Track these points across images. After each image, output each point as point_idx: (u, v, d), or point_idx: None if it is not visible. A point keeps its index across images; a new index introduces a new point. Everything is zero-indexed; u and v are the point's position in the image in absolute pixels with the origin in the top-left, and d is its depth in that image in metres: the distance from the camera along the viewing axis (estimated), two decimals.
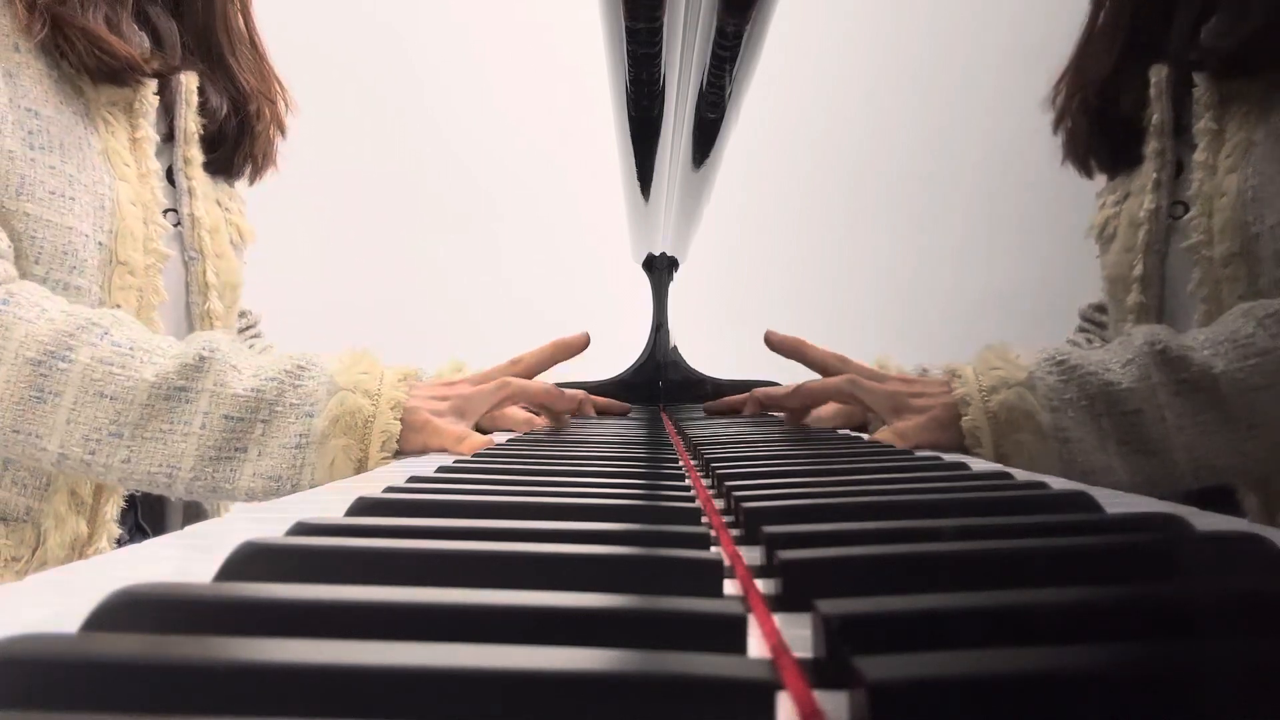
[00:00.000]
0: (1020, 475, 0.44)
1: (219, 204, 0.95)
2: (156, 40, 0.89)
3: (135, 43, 0.85)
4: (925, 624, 0.19)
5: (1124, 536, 0.29)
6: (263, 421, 0.70)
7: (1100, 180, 1.01)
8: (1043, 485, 0.40)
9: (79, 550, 0.80)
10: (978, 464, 0.52)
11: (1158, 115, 0.88)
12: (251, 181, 1.02)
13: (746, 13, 0.56)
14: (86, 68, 0.80)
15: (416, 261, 2.03)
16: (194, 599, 0.21)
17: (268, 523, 0.35)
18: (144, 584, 0.21)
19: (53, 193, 0.77)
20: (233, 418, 0.70)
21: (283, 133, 1.03)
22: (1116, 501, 0.37)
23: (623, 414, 1.04)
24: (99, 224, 0.80)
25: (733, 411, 1.05)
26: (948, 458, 0.54)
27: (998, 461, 0.69)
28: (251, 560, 0.25)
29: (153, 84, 0.86)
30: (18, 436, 0.69)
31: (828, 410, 0.90)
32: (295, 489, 0.69)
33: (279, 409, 0.70)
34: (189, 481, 0.70)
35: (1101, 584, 0.23)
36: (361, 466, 0.70)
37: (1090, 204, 1.02)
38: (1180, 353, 0.70)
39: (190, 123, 0.90)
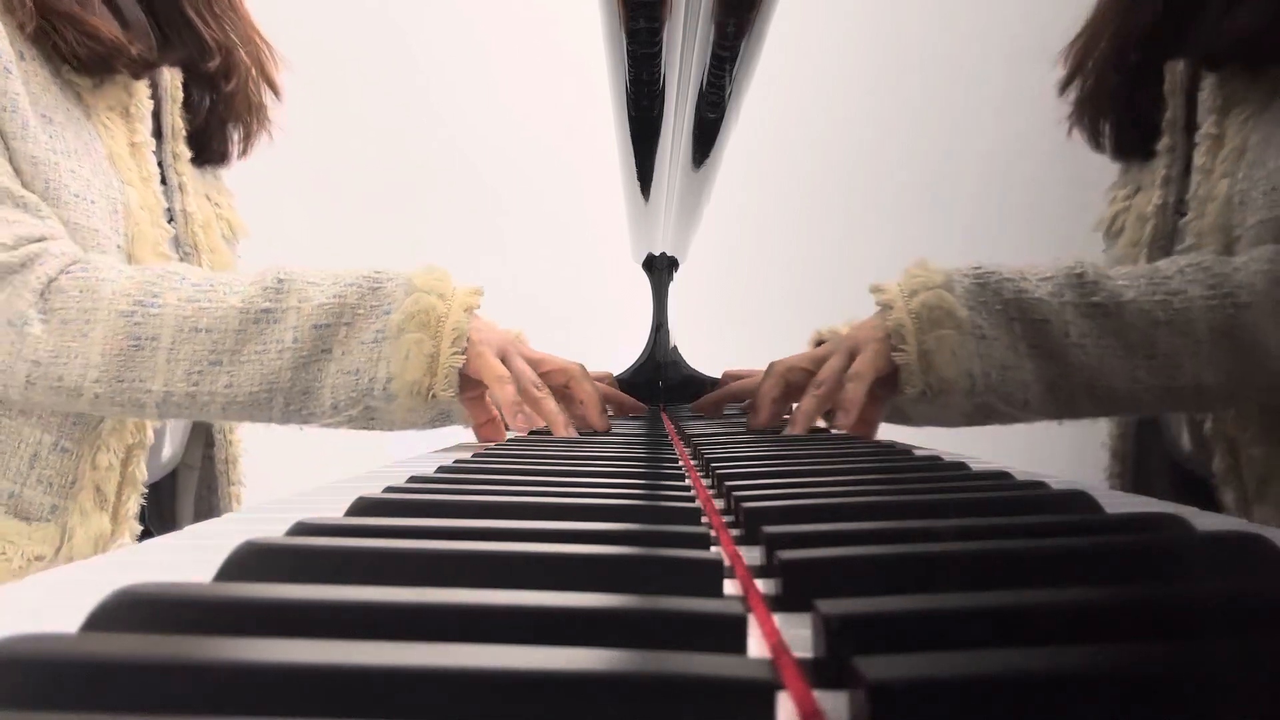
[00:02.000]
0: (1020, 475, 0.44)
1: (208, 199, 0.95)
2: (126, 28, 0.87)
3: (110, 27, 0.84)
4: (925, 624, 0.20)
5: (1124, 536, 0.29)
6: (345, 325, 0.74)
7: (1111, 169, 0.99)
8: (1042, 485, 0.40)
9: (102, 547, 0.81)
10: (978, 464, 0.52)
11: (1171, 111, 0.87)
12: (245, 151, 1.00)
13: (746, 13, 0.56)
14: (80, 59, 0.80)
15: (421, 256, 2.03)
16: (194, 599, 0.21)
17: (268, 523, 0.35)
18: (144, 584, 0.21)
19: (77, 195, 0.78)
20: (321, 325, 0.74)
21: (274, 91, 1.01)
22: (1116, 501, 0.37)
23: (637, 413, 1.03)
24: (115, 228, 0.80)
25: (715, 407, 1.04)
26: (948, 457, 0.54)
27: (920, 361, 0.72)
28: (251, 560, 0.25)
29: (146, 87, 0.86)
30: (122, 385, 0.72)
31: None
32: (373, 383, 0.73)
33: (360, 311, 0.74)
34: (287, 392, 0.73)
35: (1101, 584, 0.23)
36: (434, 362, 0.73)
37: (1091, 202, 1.01)
38: (1096, 278, 0.73)
39: (177, 118, 0.90)
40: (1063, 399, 0.73)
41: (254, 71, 0.98)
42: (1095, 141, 0.98)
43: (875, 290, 0.78)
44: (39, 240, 0.74)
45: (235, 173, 1.04)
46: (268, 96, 1.00)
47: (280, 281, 0.74)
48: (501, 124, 2.04)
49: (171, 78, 0.90)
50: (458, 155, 2.05)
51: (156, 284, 0.73)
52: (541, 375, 0.80)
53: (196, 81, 0.93)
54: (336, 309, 0.74)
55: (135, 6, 0.88)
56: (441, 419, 0.81)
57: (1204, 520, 0.32)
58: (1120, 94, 0.93)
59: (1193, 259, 0.74)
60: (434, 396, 0.74)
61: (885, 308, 0.75)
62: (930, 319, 0.72)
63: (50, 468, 0.78)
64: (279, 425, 0.77)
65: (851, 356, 0.77)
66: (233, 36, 0.95)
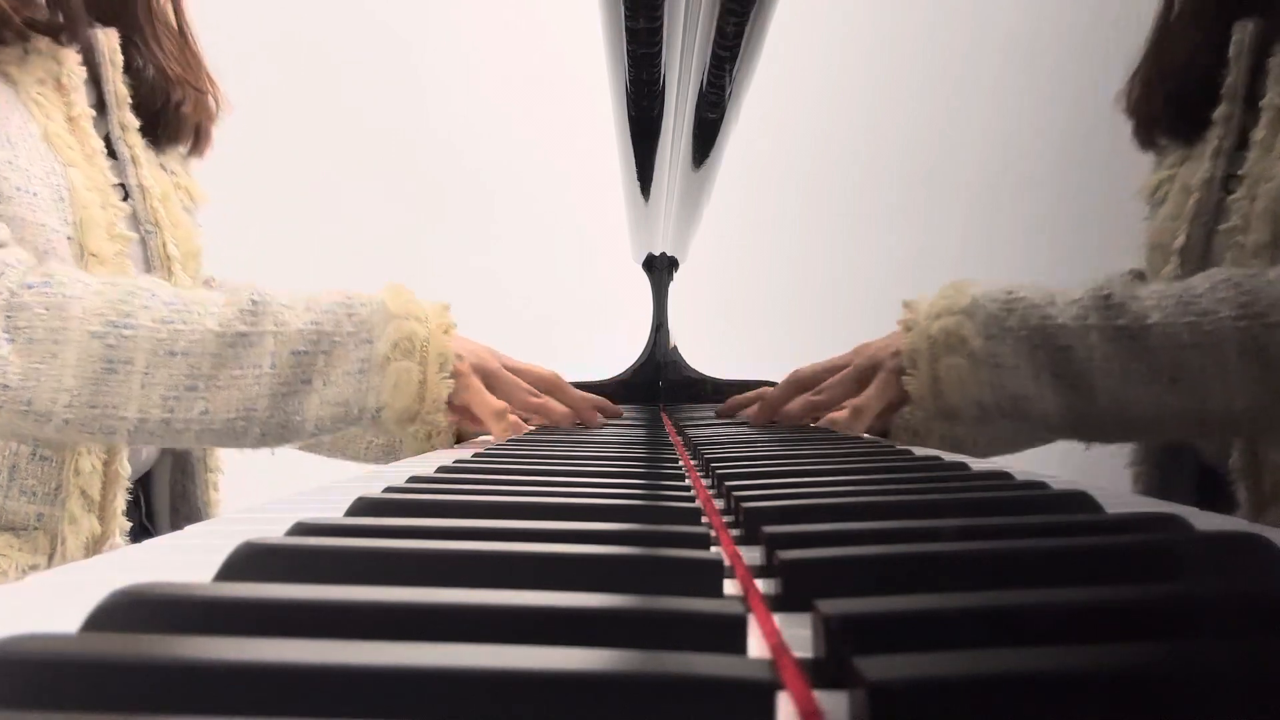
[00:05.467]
0: (1020, 475, 0.44)
1: (163, 168, 0.91)
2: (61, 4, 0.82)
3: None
4: (925, 624, 0.20)
5: (1124, 536, 0.29)
6: (324, 353, 0.72)
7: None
8: (1043, 485, 0.40)
9: (94, 548, 0.79)
10: (978, 464, 0.52)
11: (1232, 77, 0.82)
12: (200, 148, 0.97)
13: (746, 13, 0.56)
14: None
15: (414, 260, 2.03)
16: (194, 599, 0.21)
17: (268, 523, 0.35)
18: (144, 584, 0.21)
19: (19, 189, 0.74)
20: (299, 352, 0.71)
21: (213, 122, 0.98)
22: (1116, 502, 0.37)
23: (615, 416, 1.03)
24: (62, 216, 0.77)
25: (743, 407, 1.04)
26: (948, 458, 0.54)
27: (930, 387, 0.72)
28: (251, 560, 0.25)
29: (76, 54, 0.82)
30: (95, 411, 0.69)
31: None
32: (362, 413, 0.72)
33: (338, 339, 0.72)
34: (264, 422, 0.72)
35: (1101, 584, 0.23)
36: (422, 389, 0.73)
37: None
38: (1122, 300, 0.70)
39: (119, 85, 0.86)
40: (1089, 425, 0.71)
41: (207, 110, 0.96)
42: (1146, 124, 0.92)
43: (906, 306, 0.77)
44: None
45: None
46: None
47: (255, 303, 0.72)
48: (495, 127, 2.04)
49: (107, 39, 0.85)
50: (452, 157, 2.04)
51: (128, 302, 0.70)
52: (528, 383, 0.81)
53: (135, 45, 0.89)
54: (314, 336, 0.72)
55: None
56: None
57: (1204, 520, 0.32)
58: (1169, 105, 0.88)
59: (1226, 275, 0.70)
60: (421, 421, 0.74)
61: (906, 328, 0.74)
62: (945, 345, 0.72)
63: (32, 477, 0.76)
64: (251, 450, 0.76)
65: (864, 378, 0.77)
66: (182, 69, 0.92)
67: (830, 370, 0.81)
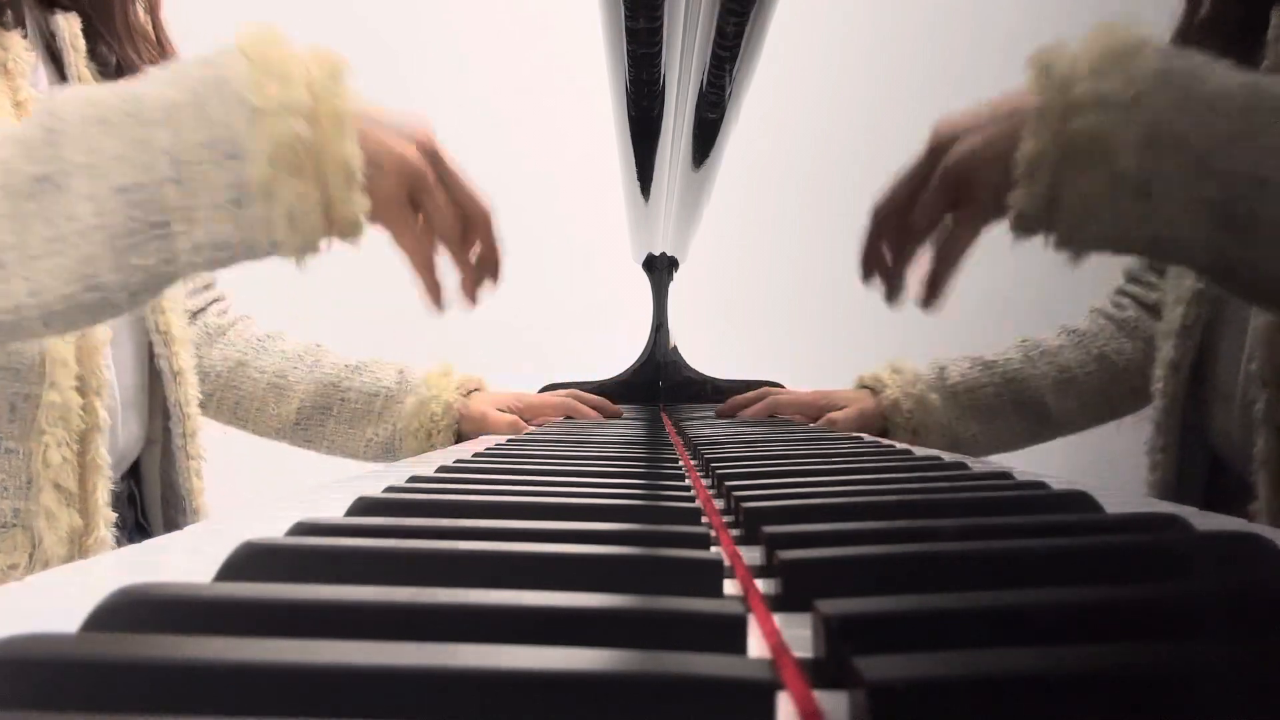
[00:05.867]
0: (1020, 475, 0.44)
1: None
2: None
3: None
4: (925, 624, 0.20)
5: (1124, 536, 0.29)
6: (171, 181, 0.52)
7: None
8: (1043, 485, 0.40)
9: (78, 543, 0.77)
10: (978, 464, 0.52)
11: (1270, 59, 0.74)
12: None
13: (746, 13, 0.56)
14: None
15: (401, 274, 2.02)
16: (194, 599, 0.21)
17: (268, 522, 0.35)
18: (144, 584, 0.21)
19: None
20: (128, 188, 0.52)
21: None
22: (1117, 502, 0.37)
23: (615, 416, 1.04)
24: None
25: (743, 407, 1.05)
26: (948, 458, 0.54)
27: (1046, 210, 0.51)
28: (251, 560, 0.25)
29: (21, 39, 0.75)
30: None
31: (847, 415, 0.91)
32: (254, 250, 0.55)
33: (186, 158, 0.52)
34: (123, 286, 0.54)
35: (1101, 584, 0.23)
36: (329, 209, 0.54)
37: None
38: None
39: (82, 69, 0.81)
40: (1239, 286, 0.54)
41: None
42: None
43: (1037, 65, 0.55)
44: None
45: None
46: None
47: (51, 133, 0.52)
48: (485, 137, 2.03)
49: (69, 24, 0.81)
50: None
51: None
52: (458, 203, 0.65)
53: (101, 33, 0.85)
54: (145, 160, 0.52)
55: None
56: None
57: (1204, 520, 0.32)
58: (1217, 41, 0.75)
59: None
60: (339, 236, 0.57)
61: (1039, 116, 0.52)
62: (1085, 153, 0.50)
63: (1, 471, 0.72)
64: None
65: (953, 193, 0.59)
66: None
67: (912, 183, 0.62)
